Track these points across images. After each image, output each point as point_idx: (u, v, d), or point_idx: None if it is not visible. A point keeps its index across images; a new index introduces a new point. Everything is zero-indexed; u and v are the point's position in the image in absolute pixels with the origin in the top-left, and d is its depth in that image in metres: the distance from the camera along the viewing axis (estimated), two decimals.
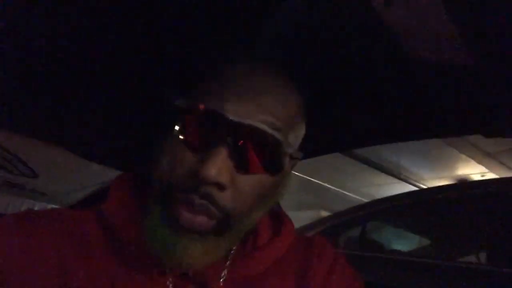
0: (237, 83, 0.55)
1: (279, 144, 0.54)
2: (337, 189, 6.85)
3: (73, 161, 1.24)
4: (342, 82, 0.72)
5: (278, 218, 0.70)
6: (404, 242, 2.60)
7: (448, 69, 0.58)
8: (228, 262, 0.61)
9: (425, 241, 2.57)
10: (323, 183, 6.64)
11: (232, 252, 0.62)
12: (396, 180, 5.76)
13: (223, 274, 0.59)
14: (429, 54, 0.55)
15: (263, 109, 0.54)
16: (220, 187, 0.51)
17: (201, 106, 0.53)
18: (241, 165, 0.52)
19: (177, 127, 0.55)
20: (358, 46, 0.62)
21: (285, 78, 0.60)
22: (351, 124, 0.88)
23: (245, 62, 0.60)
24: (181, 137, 0.54)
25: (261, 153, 0.53)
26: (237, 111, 0.52)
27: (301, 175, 6.28)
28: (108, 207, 0.61)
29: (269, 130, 0.53)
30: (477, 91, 0.63)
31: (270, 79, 0.57)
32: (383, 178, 5.83)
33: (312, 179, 6.51)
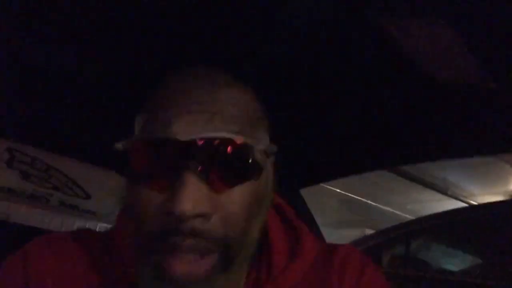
0: (180, 96, 0.49)
1: (247, 146, 0.48)
2: (382, 207, 6.66)
3: (122, 182, 1.31)
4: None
5: (295, 232, 0.61)
6: (453, 261, 2.49)
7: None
8: None
9: (477, 260, 2.45)
10: (366, 201, 6.48)
11: (243, 281, 0.55)
12: (443, 197, 5.53)
13: None
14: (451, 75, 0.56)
15: (216, 116, 0.47)
16: (203, 217, 0.44)
17: (146, 138, 0.47)
18: (218, 185, 0.46)
19: (130, 171, 0.48)
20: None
21: (231, 79, 0.53)
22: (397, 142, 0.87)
23: (183, 70, 0.54)
24: (137, 178, 0.48)
25: (232, 163, 0.47)
26: (189, 129, 0.45)
27: (344, 192, 6.17)
28: (116, 245, 0.57)
29: (230, 135, 0.46)
30: None
31: (215, 81, 0.51)
32: (430, 194, 5.61)
33: (356, 197, 6.38)
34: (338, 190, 6.13)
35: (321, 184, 5.86)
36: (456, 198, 5.49)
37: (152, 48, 0.70)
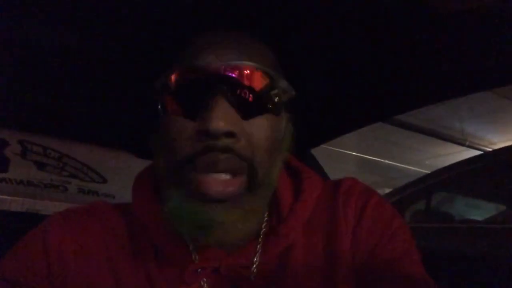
0: (212, 38, 0.53)
1: (273, 79, 0.52)
2: (400, 165, 6.63)
3: (137, 163, 1.32)
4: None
5: (298, 174, 0.63)
6: (477, 211, 2.47)
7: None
8: (259, 245, 0.56)
9: (501, 207, 2.42)
10: (384, 160, 6.46)
11: (263, 230, 0.58)
12: (462, 148, 5.46)
13: (254, 262, 0.55)
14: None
15: (244, 51, 0.52)
16: (232, 136, 0.48)
17: (182, 67, 0.51)
18: (245, 111, 0.49)
19: (166, 102, 0.53)
20: None
21: (249, 34, 0.57)
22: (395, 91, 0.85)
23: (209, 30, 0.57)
24: (174, 109, 0.51)
25: (259, 93, 0.50)
26: (220, 57, 0.50)
27: (361, 155, 6.15)
28: (134, 208, 0.59)
29: (259, 66, 0.51)
30: None
31: (241, 34, 0.56)
32: (448, 147, 5.55)
33: (373, 158, 6.36)
34: (355, 153, 6.12)
35: (339, 149, 5.86)
36: (475, 148, 5.42)
37: (164, 23, 0.68)
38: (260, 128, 0.51)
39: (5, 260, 0.54)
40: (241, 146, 0.49)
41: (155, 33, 0.72)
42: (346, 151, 5.87)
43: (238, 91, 0.49)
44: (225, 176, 0.48)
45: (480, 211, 2.45)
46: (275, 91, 0.53)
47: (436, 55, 0.70)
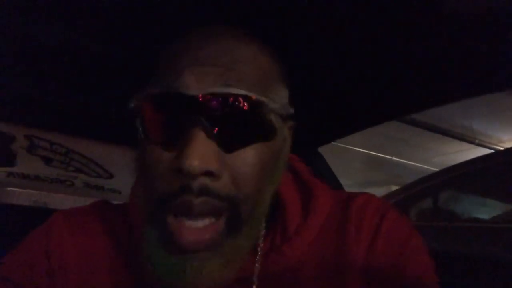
0: (193, 50, 0.46)
1: (260, 103, 0.45)
2: (408, 162, 6.60)
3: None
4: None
5: (309, 192, 0.58)
6: (483, 209, 2.45)
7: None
8: (257, 262, 0.52)
9: (508, 206, 2.40)
10: (391, 157, 6.43)
11: (260, 246, 0.53)
12: (471, 146, 5.41)
13: (254, 278, 0.51)
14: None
15: (230, 71, 0.45)
16: (211, 175, 0.42)
17: (155, 93, 0.45)
18: (227, 143, 0.44)
19: (140, 129, 0.47)
20: None
21: (249, 37, 0.51)
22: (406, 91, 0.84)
23: (201, 27, 0.51)
24: (147, 137, 0.46)
25: (244, 121, 0.45)
26: (199, 82, 0.43)
27: (368, 152, 6.13)
28: (134, 216, 0.56)
29: (243, 92, 0.43)
30: None
31: (232, 38, 0.49)
32: (457, 145, 5.51)
33: (380, 155, 6.33)
34: (362, 150, 6.09)
35: (345, 145, 5.85)
36: (484, 146, 5.37)
37: (168, 18, 0.68)
38: (246, 160, 0.45)
39: (7, 260, 0.54)
40: (221, 184, 0.43)
41: (161, 27, 0.71)
42: (352, 147, 5.85)
43: (220, 122, 0.43)
44: (201, 222, 0.43)
45: (487, 209, 2.44)
46: (266, 116, 0.46)
47: (447, 56, 0.69)
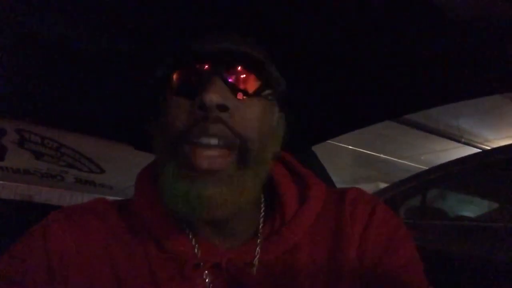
0: (207, 35, 0.57)
1: (264, 64, 0.55)
2: (395, 159, 6.66)
3: (135, 155, 1.32)
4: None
5: (304, 182, 0.64)
6: (470, 208, 2.49)
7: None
8: (258, 245, 0.57)
9: (493, 205, 2.45)
10: (379, 155, 6.48)
11: (260, 231, 0.59)
12: (458, 145, 5.49)
13: (255, 260, 0.56)
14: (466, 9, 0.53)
15: (240, 40, 0.55)
16: (225, 109, 0.50)
17: (181, 51, 0.55)
18: (239, 91, 0.53)
19: (167, 87, 0.56)
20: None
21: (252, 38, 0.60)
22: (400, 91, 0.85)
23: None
24: (173, 91, 0.54)
25: (253, 77, 0.55)
26: (216, 41, 0.54)
27: (357, 149, 6.17)
28: (136, 206, 0.60)
29: (255, 53, 0.55)
30: None
31: (237, 35, 0.59)
32: (444, 143, 5.58)
33: (369, 152, 6.38)
34: (351, 147, 6.13)
35: (334, 142, 5.87)
36: (471, 145, 5.44)
37: (160, 16, 0.68)
38: (252, 108, 0.54)
39: (5, 258, 0.54)
40: (233, 121, 0.51)
41: (153, 25, 0.71)
42: (342, 145, 5.88)
43: (234, 73, 0.53)
44: (215, 151, 0.50)
45: (473, 208, 2.48)
46: (268, 79, 0.56)
47: (440, 59, 0.70)
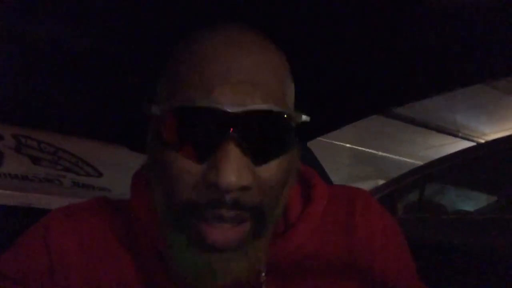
0: (216, 60, 0.46)
1: (287, 118, 0.48)
2: (394, 157, 6.68)
3: (133, 157, 1.32)
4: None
5: (307, 181, 0.63)
6: (468, 202, 2.50)
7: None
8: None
9: (492, 198, 2.46)
10: (377, 152, 6.49)
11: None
12: (455, 139, 5.51)
13: (262, 266, 0.54)
14: None
15: (257, 87, 0.46)
16: (245, 189, 0.44)
17: (188, 105, 0.46)
18: (258, 157, 0.45)
19: (166, 133, 0.47)
20: None
21: (265, 40, 0.52)
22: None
23: (213, 30, 0.51)
24: (172, 146, 0.46)
25: (273, 135, 0.47)
26: (232, 99, 0.44)
27: (355, 147, 6.18)
28: (133, 210, 0.58)
29: (275, 108, 0.46)
30: None
31: (252, 45, 0.49)
32: (441, 138, 5.60)
33: (367, 150, 6.39)
34: (349, 145, 6.14)
35: (332, 141, 5.89)
36: (468, 139, 5.46)
37: (160, 17, 0.68)
38: (273, 171, 0.47)
39: (5, 257, 0.54)
40: (251, 196, 0.45)
41: (151, 26, 0.71)
42: (339, 143, 5.89)
43: (252, 138, 0.44)
44: (230, 225, 0.46)
45: (471, 202, 2.49)
46: (290, 129, 0.49)
47: (430, 49, 0.70)
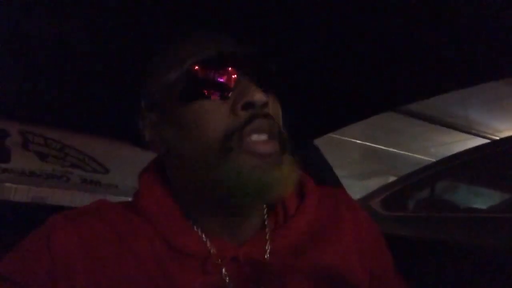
0: (211, 34, 0.61)
1: (273, 65, 0.59)
2: (405, 153, 6.62)
3: (139, 153, 1.32)
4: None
5: (299, 181, 0.66)
6: (480, 199, 2.46)
7: None
8: (267, 235, 0.60)
9: (505, 196, 2.41)
10: (388, 149, 6.44)
11: (266, 223, 0.63)
12: (468, 136, 5.43)
13: (266, 252, 0.59)
14: None
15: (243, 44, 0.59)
16: (267, 105, 0.55)
17: (205, 55, 0.56)
18: (265, 88, 0.56)
19: (189, 90, 0.56)
20: None
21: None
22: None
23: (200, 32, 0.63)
24: (200, 95, 0.55)
25: (270, 75, 0.58)
26: (237, 45, 0.58)
27: (366, 143, 6.14)
28: (143, 204, 0.60)
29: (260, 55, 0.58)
30: None
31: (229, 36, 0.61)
32: (453, 135, 5.52)
33: (378, 146, 6.35)
34: (359, 142, 6.10)
35: (342, 137, 5.86)
36: (481, 136, 5.38)
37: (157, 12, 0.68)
38: (275, 103, 0.59)
39: (7, 260, 0.54)
40: (272, 113, 0.56)
41: (157, 23, 0.71)
42: (349, 139, 5.85)
43: (258, 73, 0.56)
44: (267, 137, 0.54)
45: (484, 199, 2.45)
46: (277, 75, 0.59)
47: (442, 45, 0.68)
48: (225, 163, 0.53)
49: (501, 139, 2.81)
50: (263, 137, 0.53)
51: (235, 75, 0.55)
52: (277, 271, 0.57)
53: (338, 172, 1.33)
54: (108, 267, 0.54)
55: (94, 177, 1.36)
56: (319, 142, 1.27)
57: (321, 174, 1.22)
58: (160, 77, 0.59)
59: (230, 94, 0.54)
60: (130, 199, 0.65)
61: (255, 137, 0.53)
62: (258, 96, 0.53)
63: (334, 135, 5.12)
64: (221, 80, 0.55)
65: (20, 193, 1.27)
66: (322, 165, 1.24)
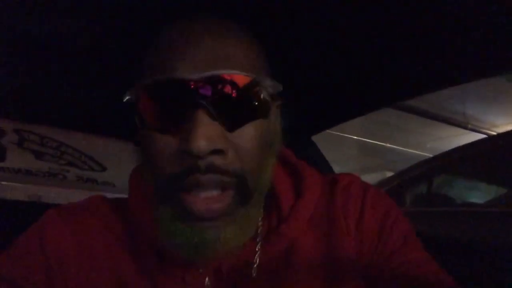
0: (179, 41, 0.48)
1: (256, 83, 0.48)
2: (402, 148, 6.63)
3: (136, 151, 1.32)
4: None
5: (298, 173, 0.61)
6: (478, 194, 2.47)
7: None
8: (258, 244, 0.55)
9: (501, 190, 2.42)
10: (385, 144, 6.45)
11: (259, 230, 0.57)
12: (464, 131, 5.44)
13: (255, 261, 0.54)
14: None
15: (224, 57, 0.47)
16: (219, 153, 0.45)
17: (152, 82, 0.47)
18: (229, 122, 0.46)
19: (140, 118, 0.49)
20: None
21: (236, 25, 0.53)
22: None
23: (183, 20, 0.52)
24: (149, 125, 0.48)
25: (243, 100, 0.47)
26: (197, 67, 0.45)
27: (363, 139, 6.15)
28: (130, 208, 0.57)
29: (238, 72, 0.46)
30: None
31: (215, 23, 0.51)
32: (450, 130, 5.54)
33: (375, 142, 6.36)
34: (356, 137, 6.11)
35: (339, 133, 5.86)
36: (477, 131, 5.40)
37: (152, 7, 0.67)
38: (247, 137, 0.48)
39: (3, 259, 0.53)
40: (228, 161, 0.46)
41: (154, 22, 0.70)
42: (347, 135, 5.86)
43: (221, 103, 0.45)
44: (213, 193, 0.46)
45: (481, 194, 2.45)
46: (261, 94, 0.49)
47: (439, 40, 0.68)
48: (160, 208, 0.48)
49: (498, 134, 2.82)
50: (204, 194, 0.46)
51: (189, 108, 0.44)
52: (260, 284, 0.53)
53: (336, 168, 1.33)
54: (101, 264, 0.54)
55: (90, 175, 1.35)
56: (315, 138, 1.27)
57: (318, 170, 1.22)
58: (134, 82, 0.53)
59: (179, 130, 0.45)
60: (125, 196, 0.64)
61: (194, 192, 0.46)
62: (197, 145, 0.42)
63: (331, 131, 5.12)
64: (171, 111, 0.46)
65: (17, 191, 1.26)
66: (319, 161, 1.24)
